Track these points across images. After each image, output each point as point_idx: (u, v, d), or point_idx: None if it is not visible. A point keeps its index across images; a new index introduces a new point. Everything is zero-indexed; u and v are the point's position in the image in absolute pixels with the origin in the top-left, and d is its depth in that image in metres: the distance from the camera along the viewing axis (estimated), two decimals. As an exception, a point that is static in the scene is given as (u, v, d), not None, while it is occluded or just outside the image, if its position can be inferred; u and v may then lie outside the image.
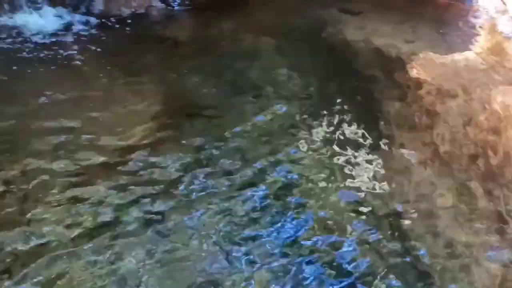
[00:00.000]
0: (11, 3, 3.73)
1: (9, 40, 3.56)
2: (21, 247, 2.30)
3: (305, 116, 3.20)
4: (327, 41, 3.99)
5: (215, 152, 2.86)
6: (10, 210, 2.45)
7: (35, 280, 2.19)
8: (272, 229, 2.52)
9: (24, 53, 3.46)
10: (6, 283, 2.18)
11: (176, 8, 4.09)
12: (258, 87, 3.40)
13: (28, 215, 2.43)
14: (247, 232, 2.48)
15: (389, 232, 2.54)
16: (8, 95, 3.09)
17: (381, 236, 2.53)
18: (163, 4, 4.03)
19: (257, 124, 3.10)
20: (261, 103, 3.27)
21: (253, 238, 2.47)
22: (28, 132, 2.84)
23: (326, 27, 4.15)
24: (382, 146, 3.04)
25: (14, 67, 3.33)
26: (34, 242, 2.32)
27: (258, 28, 4.03)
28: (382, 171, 2.87)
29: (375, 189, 2.76)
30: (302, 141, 3.01)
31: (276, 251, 2.43)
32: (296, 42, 3.93)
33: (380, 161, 2.94)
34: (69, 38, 3.65)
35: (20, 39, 3.58)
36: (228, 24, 4.04)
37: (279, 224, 2.54)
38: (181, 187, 2.65)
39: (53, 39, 3.62)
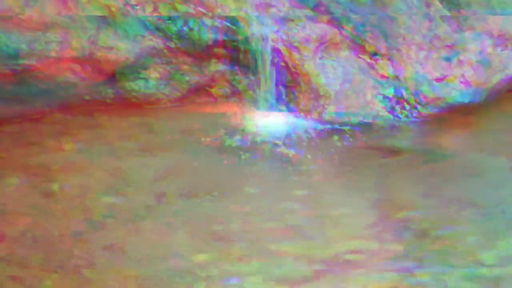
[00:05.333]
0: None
1: (249, 140, 3.92)
2: None
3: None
4: None
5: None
6: None
7: None
8: None
9: (258, 151, 3.77)
10: None
11: (402, 119, 4.12)
12: (485, 206, 3.21)
13: None
14: None
15: None
16: (234, 189, 3.36)
17: None
18: (390, 115, 4.11)
19: (484, 252, 2.87)
20: (488, 225, 3.05)
21: None
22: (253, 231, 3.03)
23: None
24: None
25: (245, 164, 3.62)
26: None
27: (491, 144, 3.88)
28: None
29: None
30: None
31: None
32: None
33: None
34: (299, 141, 3.87)
35: (255, 138, 3.92)
36: (455, 138, 3.96)
37: None
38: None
39: (285, 141, 3.87)
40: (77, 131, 3.83)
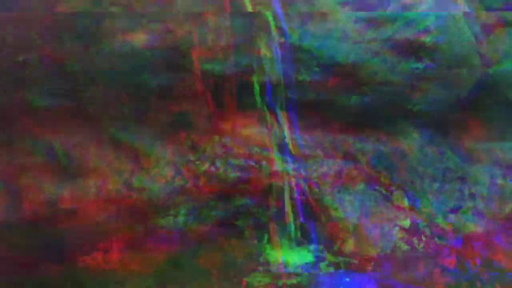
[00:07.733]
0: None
1: (273, 274, 4.07)
2: None
3: None
4: None
5: None
6: None
7: None
8: None
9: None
10: None
11: (420, 250, 4.24)
12: None
13: None
14: None
15: None
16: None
17: None
18: (407, 246, 4.24)
19: None
20: None
21: None
22: None
23: None
24: None
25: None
26: None
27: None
28: None
29: None
30: None
31: None
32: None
33: None
34: (321, 275, 4.04)
35: (279, 272, 4.08)
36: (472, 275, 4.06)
37: None
38: None
39: (308, 275, 4.04)
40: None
